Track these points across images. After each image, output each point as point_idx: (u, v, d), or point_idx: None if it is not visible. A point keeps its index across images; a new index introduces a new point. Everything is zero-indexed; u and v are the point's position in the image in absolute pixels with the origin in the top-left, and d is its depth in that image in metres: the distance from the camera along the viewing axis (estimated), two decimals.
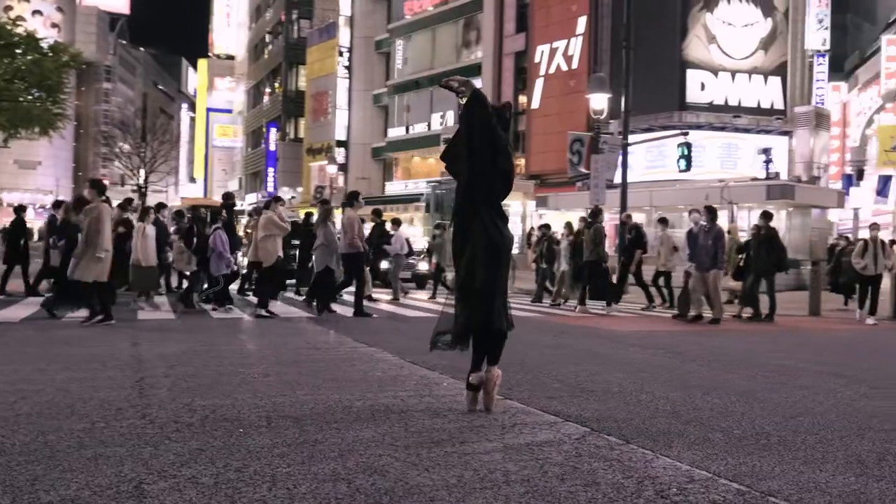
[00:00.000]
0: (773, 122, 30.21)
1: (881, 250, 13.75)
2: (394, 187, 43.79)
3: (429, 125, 42.24)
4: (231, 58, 74.87)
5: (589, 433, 4.37)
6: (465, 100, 4.89)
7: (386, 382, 5.88)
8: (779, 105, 31.23)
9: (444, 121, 41.24)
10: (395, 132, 44.52)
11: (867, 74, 49.89)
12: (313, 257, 12.76)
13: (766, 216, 13.90)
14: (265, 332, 9.55)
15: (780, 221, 22.07)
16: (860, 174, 30.94)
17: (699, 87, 30.77)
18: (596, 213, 14.52)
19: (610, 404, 5.29)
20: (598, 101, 20.53)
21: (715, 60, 30.98)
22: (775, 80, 31.25)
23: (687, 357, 8.18)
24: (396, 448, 3.93)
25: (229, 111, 73.96)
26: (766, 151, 25.12)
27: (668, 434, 4.42)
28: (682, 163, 19.49)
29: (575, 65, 34.29)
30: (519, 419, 4.70)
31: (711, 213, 12.84)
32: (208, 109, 78.47)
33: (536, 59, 35.88)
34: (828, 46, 32.80)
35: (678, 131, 20.81)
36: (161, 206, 12.54)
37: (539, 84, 35.85)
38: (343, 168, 41.88)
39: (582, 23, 33.88)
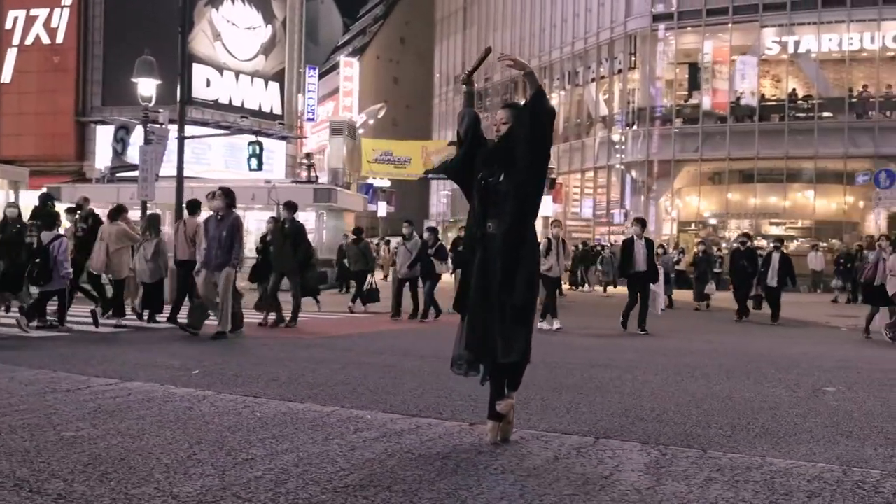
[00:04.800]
0: (275, 126, 31.40)
1: (562, 250, 12.87)
2: None
3: None
4: None
5: (663, 447, 4.29)
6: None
7: (305, 425, 4.74)
8: (278, 110, 32.58)
9: None
10: None
11: (324, 90, 55.23)
12: (147, 268, 11.17)
13: (291, 207, 12.29)
14: None
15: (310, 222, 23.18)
16: (348, 185, 34.41)
17: (205, 84, 30.29)
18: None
19: (567, 416, 5.24)
20: (147, 87, 18.79)
21: (220, 58, 30.88)
22: (275, 86, 32.53)
23: (430, 358, 8.25)
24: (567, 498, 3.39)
25: None
26: (308, 156, 26.00)
27: (691, 437, 4.62)
28: (254, 162, 19.08)
29: (60, 39, 30.55)
30: (565, 444, 4.37)
31: (228, 196, 10.12)
32: None
33: (8, 26, 30.86)
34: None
35: (229, 131, 20.20)
36: None
37: (12, 55, 30.93)
38: None
39: None
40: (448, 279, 17.11)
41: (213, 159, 30.79)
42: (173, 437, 4.36)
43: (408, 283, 14.26)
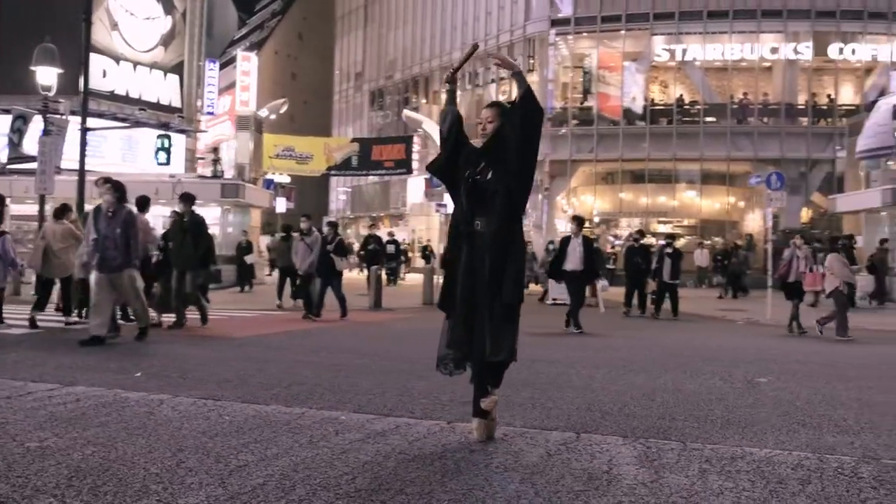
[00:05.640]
0: (175, 119, 30.30)
1: None
2: None
3: None
4: None
5: (644, 441, 4.46)
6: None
7: (281, 428, 4.64)
8: (177, 103, 31.44)
9: None
10: None
11: (220, 84, 53.60)
12: (79, 265, 10.24)
13: (188, 199, 11.36)
14: None
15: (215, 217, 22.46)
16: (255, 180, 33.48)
17: (101, 74, 28.90)
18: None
19: (535, 412, 5.35)
20: (46, 76, 17.78)
21: (117, 48, 29.57)
22: (174, 78, 31.38)
23: (371, 356, 8.26)
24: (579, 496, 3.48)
25: None
26: (214, 151, 25.15)
27: (662, 429, 4.84)
28: (162, 155, 18.32)
29: None
30: (550, 441, 4.46)
31: (118, 190, 8.96)
32: None
33: None
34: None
35: (130, 123, 19.36)
36: None
37: None
38: None
39: None
40: (354, 275, 16.87)
41: (109, 152, 29.47)
42: (149, 445, 4.17)
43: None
